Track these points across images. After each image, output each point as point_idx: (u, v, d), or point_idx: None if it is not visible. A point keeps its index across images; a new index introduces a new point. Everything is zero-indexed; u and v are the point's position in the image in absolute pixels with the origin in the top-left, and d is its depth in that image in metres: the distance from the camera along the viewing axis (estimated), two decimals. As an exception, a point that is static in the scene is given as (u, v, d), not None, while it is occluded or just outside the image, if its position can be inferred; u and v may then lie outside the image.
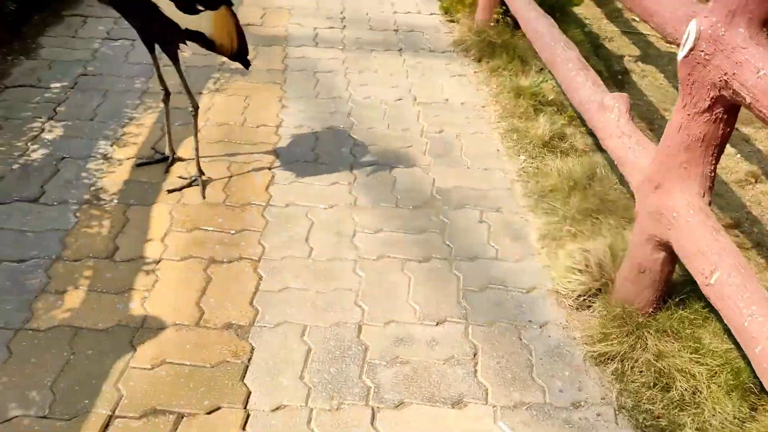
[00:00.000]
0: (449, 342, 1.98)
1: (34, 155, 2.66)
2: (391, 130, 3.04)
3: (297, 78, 3.41)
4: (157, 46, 2.41)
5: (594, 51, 4.20)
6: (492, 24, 3.79)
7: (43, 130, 2.82)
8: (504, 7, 3.71)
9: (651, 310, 1.97)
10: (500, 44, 3.67)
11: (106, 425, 1.65)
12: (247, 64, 2.63)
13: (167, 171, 2.63)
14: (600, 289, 2.11)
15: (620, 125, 2.10)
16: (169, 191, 2.50)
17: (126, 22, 2.47)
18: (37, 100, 3.04)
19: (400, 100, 3.30)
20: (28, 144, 2.72)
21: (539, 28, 2.88)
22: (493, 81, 3.50)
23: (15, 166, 2.59)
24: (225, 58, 2.59)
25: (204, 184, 2.54)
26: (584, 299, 2.12)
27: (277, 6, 4.22)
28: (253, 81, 3.34)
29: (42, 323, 1.94)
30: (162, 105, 2.63)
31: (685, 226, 1.70)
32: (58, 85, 3.17)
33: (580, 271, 2.15)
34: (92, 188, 2.51)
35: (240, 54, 2.56)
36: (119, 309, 2.00)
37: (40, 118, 2.90)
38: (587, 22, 4.57)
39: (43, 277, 2.09)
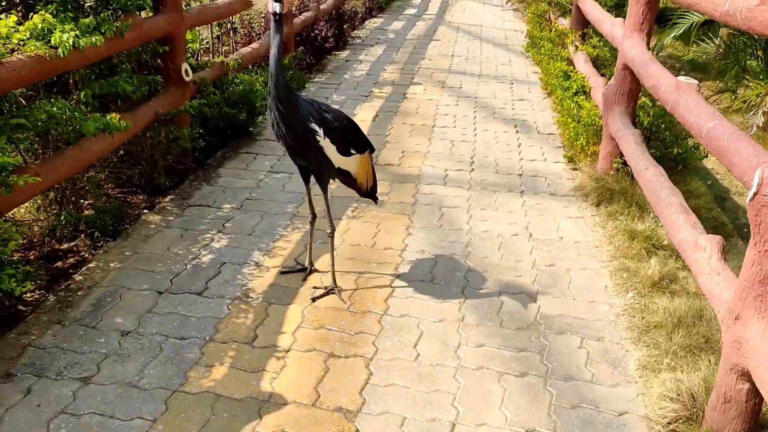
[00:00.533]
0: (535, 450, 2.13)
1: (204, 259, 3.25)
2: (504, 260, 3.33)
3: (424, 211, 3.85)
4: (311, 179, 2.95)
5: (719, 203, 4.30)
6: (611, 173, 4.07)
7: (212, 240, 3.44)
8: (623, 158, 3.99)
9: (741, 443, 2.02)
10: (618, 191, 3.91)
11: (230, 475, 1.97)
12: (376, 200, 3.12)
13: (304, 279, 3.09)
14: (690, 418, 2.17)
15: (711, 263, 2.26)
16: (313, 299, 2.93)
17: (287, 159, 3.06)
18: (211, 217, 3.70)
19: (516, 235, 3.61)
20: (200, 250, 3.33)
21: (648, 176, 3.12)
22: (609, 224, 3.72)
23: (188, 266, 3.17)
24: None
25: (339, 293, 2.96)
26: (674, 427, 2.18)
27: (414, 150, 4.80)
28: (386, 211, 3.82)
29: (193, 388, 2.36)
30: (309, 226, 3.15)
31: (760, 354, 1.81)
32: (228, 206, 3.84)
33: (671, 399, 2.24)
34: (243, 288, 3.01)
35: (372, 191, 3.06)
36: (252, 384, 2.38)
37: (212, 231, 3.53)
38: (717, 176, 4.69)
39: (198, 353, 2.55)
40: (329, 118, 2.70)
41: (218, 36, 6.43)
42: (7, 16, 2.87)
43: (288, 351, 2.58)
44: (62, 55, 2.88)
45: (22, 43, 2.80)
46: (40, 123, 2.81)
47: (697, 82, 2.72)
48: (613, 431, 2.22)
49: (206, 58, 5.29)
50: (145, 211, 3.74)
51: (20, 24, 2.86)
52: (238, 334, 2.67)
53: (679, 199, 2.77)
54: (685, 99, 2.63)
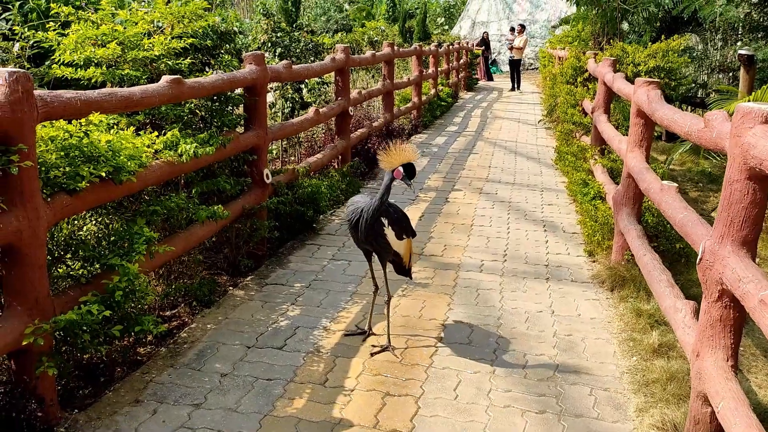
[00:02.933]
0: (547, 462, 2.72)
1: (281, 323, 3.99)
2: (529, 330, 3.98)
3: (463, 292, 4.56)
4: (373, 257, 3.73)
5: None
6: (623, 263, 4.74)
7: (287, 310, 4.19)
8: (631, 251, 4.66)
9: (709, 457, 2.57)
10: (629, 278, 4.57)
11: (313, 467, 2.62)
12: (411, 276, 3.90)
13: (364, 340, 3.79)
14: (672, 443, 2.74)
15: (685, 320, 2.90)
16: (372, 354, 3.62)
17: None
18: (285, 293, 4.48)
19: (540, 312, 4.26)
20: (278, 317, 4.08)
21: (645, 260, 3.80)
22: (621, 305, 4.35)
23: (269, 329, 3.92)
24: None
25: (393, 350, 3.65)
26: (659, 449, 2.75)
27: (455, 244, 5.57)
28: (430, 292, 4.54)
29: (280, 413, 3.04)
30: (371, 296, 3.90)
31: (710, 378, 2.42)
32: (298, 285, 4.62)
33: (658, 428, 2.82)
34: (315, 345, 3.72)
35: (409, 269, 3.89)
36: (326, 412, 3.05)
37: (287, 303, 4.30)
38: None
39: (282, 390, 3.24)
40: (391, 211, 3.53)
41: (285, 149, 7.50)
42: (143, 134, 3.85)
43: (353, 390, 3.26)
44: (185, 161, 3.82)
45: (157, 152, 3.75)
46: (167, 211, 3.70)
47: (676, 185, 3.47)
48: (611, 453, 2.80)
49: (277, 165, 6.28)
50: (230, 287, 4.55)
51: (155, 140, 3.83)
52: (313, 378, 3.37)
53: (667, 276, 3.43)
54: (666, 198, 3.37)
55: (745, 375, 3.55)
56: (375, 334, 3.85)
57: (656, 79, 4.26)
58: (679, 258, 4.80)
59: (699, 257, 2.52)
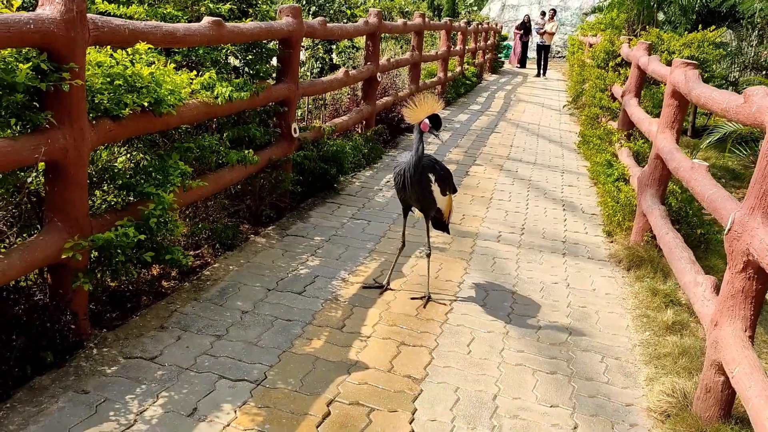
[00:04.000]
0: (558, 417, 2.79)
1: (301, 272, 4.06)
2: (544, 299, 4.04)
3: (480, 259, 4.61)
4: (409, 213, 3.81)
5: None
6: (642, 244, 4.76)
7: (307, 260, 4.26)
8: (652, 233, 4.69)
9: (716, 424, 2.63)
10: (647, 259, 4.60)
11: (328, 403, 2.71)
12: (449, 231, 3.94)
13: (381, 293, 3.86)
14: (681, 408, 2.80)
15: (705, 294, 2.94)
16: (412, 298, 3.79)
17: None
18: (305, 245, 4.55)
19: (556, 283, 4.31)
20: (298, 266, 4.15)
21: (667, 239, 3.83)
22: (637, 284, 4.39)
23: (290, 275, 3.99)
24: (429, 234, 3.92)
25: (428, 300, 3.78)
26: (668, 413, 2.81)
27: (474, 215, 5.61)
28: (448, 256, 4.59)
29: (298, 350, 3.12)
30: (395, 252, 3.98)
31: (728, 347, 2.47)
32: (318, 238, 4.69)
33: (668, 394, 2.87)
34: (333, 293, 3.80)
35: (448, 224, 3.92)
36: (342, 353, 3.13)
37: (306, 254, 4.37)
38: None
39: (300, 330, 3.32)
40: (438, 168, 3.59)
41: (310, 110, 7.53)
42: (182, 72, 3.89)
43: (369, 337, 3.33)
44: (220, 104, 3.87)
45: (194, 92, 3.80)
46: (200, 149, 3.76)
47: (707, 164, 3.48)
48: (619, 415, 2.86)
49: (302, 125, 6.32)
50: (252, 235, 4.62)
51: (192, 79, 3.88)
52: (331, 322, 3.44)
53: (689, 254, 3.47)
54: (696, 175, 3.39)
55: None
56: (392, 289, 3.92)
57: (693, 62, 4.25)
58: (698, 244, 4.82)
59: (727, 229, 2.55)
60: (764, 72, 9.91)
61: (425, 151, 3.58)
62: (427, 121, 3.51)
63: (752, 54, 10.19)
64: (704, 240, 4.86)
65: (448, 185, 3.74)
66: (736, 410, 2.71)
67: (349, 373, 2.98)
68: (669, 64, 6.66)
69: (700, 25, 8.84)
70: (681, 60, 4.19)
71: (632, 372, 3.26)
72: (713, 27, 7.68)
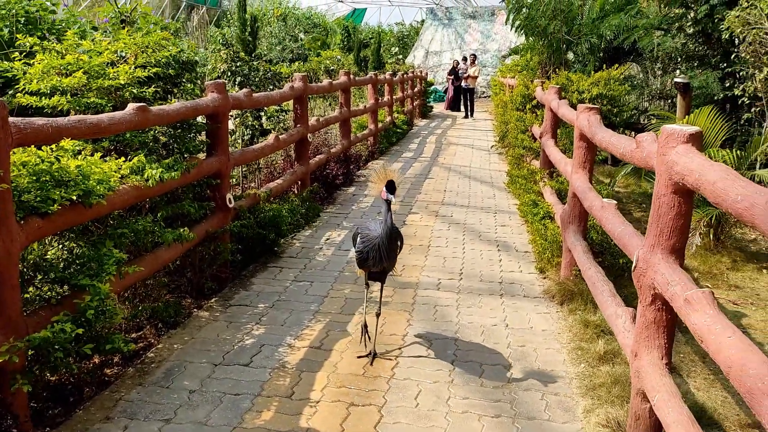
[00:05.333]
0: (503, 461, 2.91)
1: (247, 342, 4.11)
2: (485, 342, 4.19)
3: (421, 308, 4.75)
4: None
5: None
6: (571, 278, 5.01)
7: (252, 329, 4.31)
8: (579, 268, 4.95)
9: (649, 449, 2.80)
10: (577, 292, 4.84)
11: (282, 473, 2.75)
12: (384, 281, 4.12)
13: (372, 363, 3.85)
14: (616, 438, 2.97)
15: (625, 325, 3.15)
16: (358, 357, 3.88)
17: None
18: (249, 313, 4.59)
19: (495, 325, 4.48)
20: (243, 336, 4.19)
21: (590, 273, 4.07)
22: (570, 317, 4.61)
23: (235, 347, 4.03)
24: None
25: (372, 357, 3.86)
26: (604, 444, 2.97)
27: (413, 264, 5.77)
28: (390, 309, 4.71)
29: (249, 425, 3.15)
30: (368, 318, 4.06)
31: (647, 375, 2.66)
32: (262, 306, 4.74)
33: (603, 425, 3.04)
34: (280, 361, 3.85)
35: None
36: (293, 422, 3.18)
37: (251, 323, 4.41)
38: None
39: (250, 404, 3.36)
40: (395, 228, 3.76)
41: (245, 174, 7.62)
42: (110, 160, 3.95)
43: (318, 402, 3.40)
44: (151, 185, 3.93)
45: (124, 176, 3.86)
46: (134, 233, 3.80)
47: (615, 202, 3.76)
48: (562, 451, 3.01)
49: (237, 191, 6.40)
50: (195, 309, 4.64)
51: (121, 165, 3.94)
52: (279, 391, 3.49)
53: (610, 287, 3.70)
54: (606, 214, 3.65)
55: (684, 379, 3.82)
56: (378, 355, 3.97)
57: (596, 106, 4.59)
58: (622, 272, 5.10)
59: (634, 265, 2.78)
60: (669, 99, 10.62)
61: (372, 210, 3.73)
62: (384, 189, 3.69)
63: (658, 84, 10.92)
64: (627, 268, 5.14)
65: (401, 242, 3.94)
66: (665, 433, 2.89)
67: (300, 442, 3.03)
68: (580, 102, 7.12)
69: (605, 63, 9.44)
70: (584, 106, 4.52)
71: (571, 406, 3.42)
72: (617, 65, 8.24)
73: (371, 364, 3.82)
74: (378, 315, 3.99)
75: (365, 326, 4.04)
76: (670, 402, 2.40)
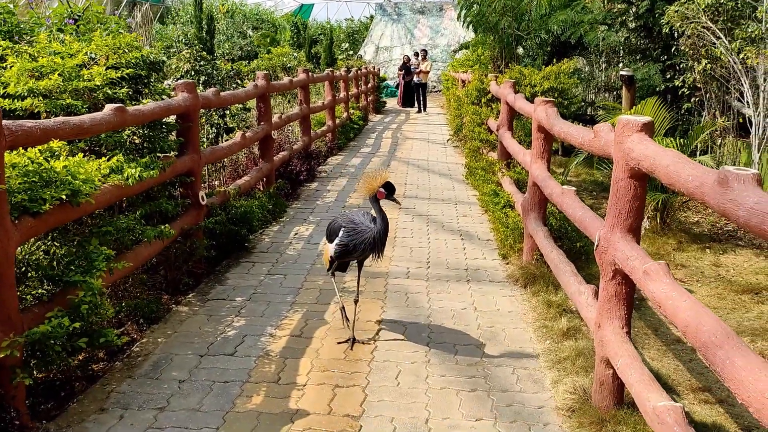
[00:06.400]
0: (484, 429, 3.16)
1: (229, 333, 4.25)
2: (456, 325, 4.44)
3: (394, 296, 4.97)
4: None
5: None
6: (533, 262, 5.32)
7: (233, 321, 4.45)
8: (540, 251, 5.25)
9: (612, 411, 3.09)
10: (539, 275, 5.14)
11: (280, 450, 2.93)
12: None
13: (351, 348, 4.03)
14: (583, 402, 3.25)
15: (588, 301, 3.44)
16: (338, 342, 4.06)
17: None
18: (228, 307, 4.73)
19: (464, 309, 4.74)
20: (225, 328, 4.33)
21: (552, 256, 4.36)
22: (533, 299, 4.90)
23: (219, 338, 4.17)
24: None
25: (352, 342, 4.06)
26: (573, 408, 3.25)
27: (382, 255, 5.99)
28: (364, 298, 4.92)
29: (241, 409, 3.32)
30: (347, 307, 4.25)
31: (611, 344, 2.95)
32: (239, 299, 4.88)
33: (570, 393, 3.33)
34: (264, 350, 4.01)
35: None
36: (283, 405, 3.36)
37: (231, 315, 4.55)
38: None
39: (239, 390, 3.52)
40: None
41: (209, 173, 7.69)
42: (90, 160, 4.03)
43: (305, 385, 3.58)
44: (131, 184, 4.04)
45: (104, 176, 3.95)
46: (117, 231, 3.90)
47: (574, 188, 4.06)
48: (533, 418, 3.27)
49: (205, 189, 6.49)
50: (173, 305, 4.74)
51: (101, 165, 4.02)
52: (266, 377, 3.66)
53: (571, 267, 4.00)
54: (566, 199, 3.95)
55: (639, 350, 4.14)
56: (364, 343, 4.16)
57: (552, 99, 4.89)
58: (579, 255, 5.44)
59: (596, 244, 3.06)
60: (615, 91, 11.13)
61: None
62: (382, 189, 3.87)
63: (603, 77, 11.41)
64: (584, 251, 5.48)
65: None
66: (627, 397, 3.18)
67: (292, 421, 3.22)
68: (533, 96, 7.45)
69: (554, 58, 9.85)
70: (541, 99, 4.82)
71: (540, 378, 3.70)
72: (566, 60, 8.62)
73: (351, 349, 4.02)
74: (356, 302, 4.18)
75: (343, 308, 4.23)
76: (633, 365, 2.69)
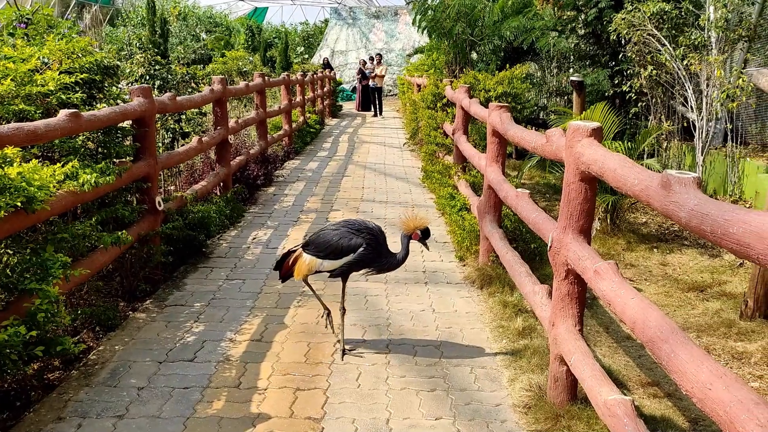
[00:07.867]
0: (443, 428, 3.23)
1: (189, 339, 4.23)
2: (415, 326, 4.52)
3: (353, 299, 5.02)
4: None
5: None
6: (489, 264, 5.44)
7: (192, 327, 4.43)
8: (495, 253, 5.38)
9: (567, 407, 3.21)
10: (495, 276, 5.27)
11: (243, 454, 2.95)
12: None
13: (343, 357, 4.05)
14: (538, 399, 3.36)
15: (542, 300, 3.56)
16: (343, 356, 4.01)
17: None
18: (186, 312, 4.70)
19: (423, 311, 4.83)
20: (184, 334, 4.31)
21: (508, 257, 4.49)
22: (490, 300, 5.02)
23: (178, 344, 4.14)
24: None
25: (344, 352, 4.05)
26: (529, 405, 3.36)
27: (341, 258, 6.03)
28: (325, 301, 4.95)
29: (202, 414, 3.32)
30: (331, 318, 4.21)
31: (564, 341, 3.07)
32: (198, 305, 4.86)
33: (527, 390, 3.43)
34: (224, 355, 4.01)
35: None
36: (244, 409, 3.37)
37: (190, 321, 4.53)
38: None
39: (200, 395, 3.51)
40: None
41: (164, 178, 7.60)
42: (44, 166, 3.96)
43: (266, 389, 3.60)
44: (87, 190, 3.99)
45: (60, 182, 3.89)
46: (73, 238, 3.85)
47: (528, 192, 4.18)
48: (491, 415, 3.37)
49: (161, 194, 6.42)
50: (130, 312, 4.69)
51: (56, 170, 3.96)
52: (227, 382, 3.67)
53: (526, 268, 4.12)
54: (521, 202, 4.07)
55: (591, 348, 4.29)
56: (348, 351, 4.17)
57: (506, 104, 5.02)
58: (534, 256, 5.59)
59: (549, 245, 3.18)
60: (566, 96, 11.43)
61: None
62: (419, 232, 3.97)
63: (554, 82, 11.71)
64: (538, 252, 5.64)
65: None
66: (580, 393, 3.31)
67: (254, 425, 3.23)
68: (487, 100, 7.60)
69: (507, 63, 10.06)
70: (495, 104, 4.95)
71: (497, 376, 3.81)
72: (519, 65, 8.83)
73: (342, 360, 3.99)
74: (343, 311, 4.12)
75: (329, 314, 4.23)
76: (585, 361, 2.80)
